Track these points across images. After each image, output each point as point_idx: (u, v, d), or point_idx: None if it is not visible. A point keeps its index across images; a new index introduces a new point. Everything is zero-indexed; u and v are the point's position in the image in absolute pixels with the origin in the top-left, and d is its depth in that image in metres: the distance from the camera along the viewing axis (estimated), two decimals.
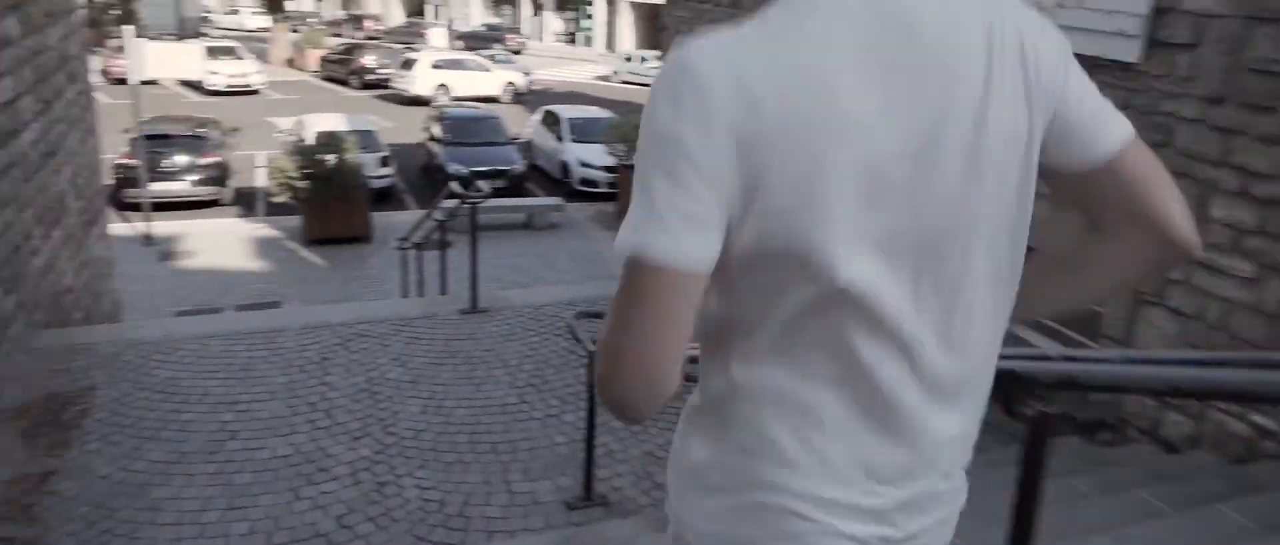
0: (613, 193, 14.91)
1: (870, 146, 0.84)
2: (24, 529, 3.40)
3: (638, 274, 0.86)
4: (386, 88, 27.53)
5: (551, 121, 17.47)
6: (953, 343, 0.94)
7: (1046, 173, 0.97)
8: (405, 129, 19.71)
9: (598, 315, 3.44)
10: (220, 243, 12.72)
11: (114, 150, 14.50)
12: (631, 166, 11.94)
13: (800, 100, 0.83)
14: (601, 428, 3.93)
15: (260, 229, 13.53)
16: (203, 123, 15.63)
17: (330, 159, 12.46)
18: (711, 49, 0.85)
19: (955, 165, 0.88)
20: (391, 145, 16.49)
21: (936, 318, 0.93)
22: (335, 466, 3.93)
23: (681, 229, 0.84)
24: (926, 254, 0.90)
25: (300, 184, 12.45)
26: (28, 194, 5.13)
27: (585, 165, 15.65)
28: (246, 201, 14.95)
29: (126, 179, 13.38)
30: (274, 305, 10.26)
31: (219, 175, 14.50)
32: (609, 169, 15.02)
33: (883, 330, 0.91)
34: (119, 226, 13.16)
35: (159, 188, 13.38)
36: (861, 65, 0.85)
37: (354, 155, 12.89)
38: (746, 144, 0.83)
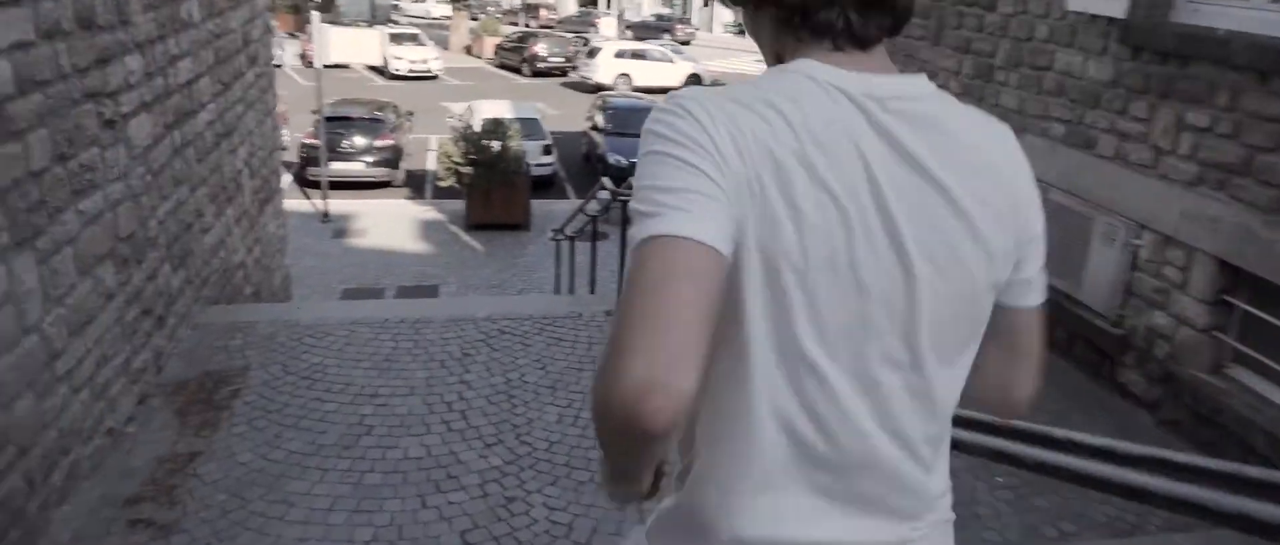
0: None
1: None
2: (164, 512, 3.40)
3: (650, 254, 0.81)
4: (562, 75, 28.05)
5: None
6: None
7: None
8: (570, 117, 19.94)
9: None
10: (389, 223, 13.22)
11: (302, 130, 15.42)
12: None
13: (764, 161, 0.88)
14: None
15: (427, 211, 13.98)
16: (381, 106, 16.33)
17: (494, 145, 12.66)
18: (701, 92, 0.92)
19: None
20: (555, 133, 16.67)
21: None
22: (465, 475, 3.76)
23: (699, 207, 0.83)
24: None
25: (464, 169, 12.72)
26: (201, 173, 5.29)
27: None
28: (416, 184, 15.51)
29: (309, 158, 14.13)
30: (433, 288, 10.51)
31: (393, 157, 15.10)
32: None
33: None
34: (300, 203, 13.95)
35: (337, 167, 14.07)
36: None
37: (517, 142, 13.05)
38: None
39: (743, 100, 0.90)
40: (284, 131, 16.71)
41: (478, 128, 13.38)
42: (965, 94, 6.33)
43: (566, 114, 20.68)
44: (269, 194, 7.44)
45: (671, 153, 0.85)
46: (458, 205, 13.62)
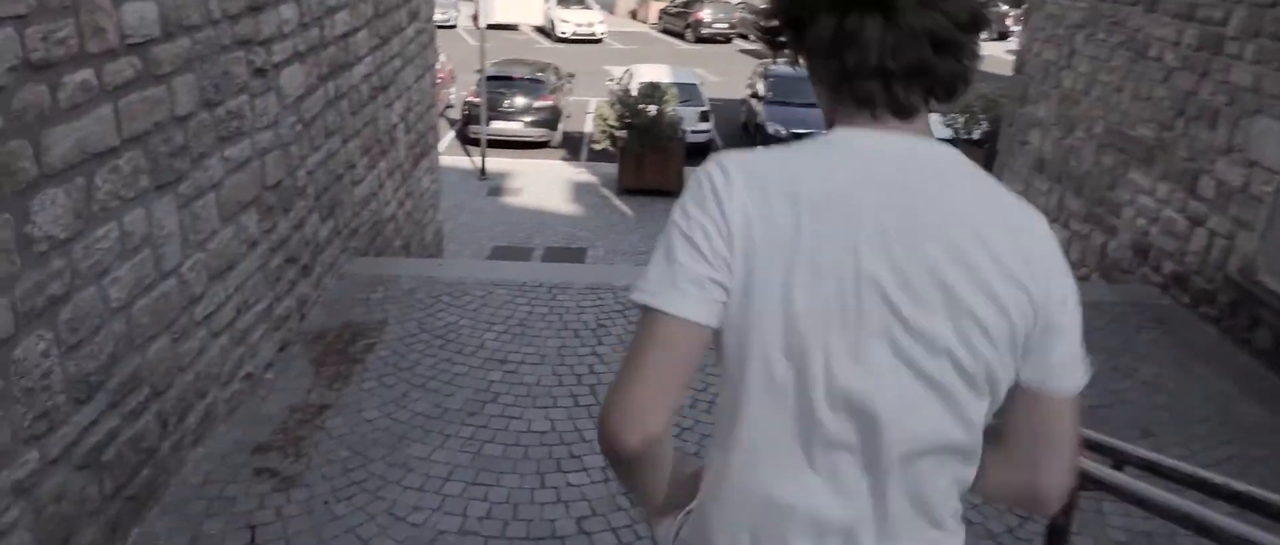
0: None
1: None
2: (289, 463, 3.39)
3: (642, 323, 1.00)
4: (726, 41, 27.48)
5: None
6: None
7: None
8: (732, 84, 19.46)
9: None
10: (543, 183, 13.31)
11: (468, 89, 15.77)
12: (970, 140, 10.42)
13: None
14: None
15: (580, 173, 14.00)
16: (542, 67, 16.45)
17: (650, 109, 12.44)
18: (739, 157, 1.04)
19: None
20: (715, 100, 16.29)
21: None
22: (588, 455, 3.56)
23: (691, 289, 0.98)
24: None
25: (619, 132, 12.59)
26: (354, 126, 5.32)
27: None
28: (573, 146, 15.57)
29: (471, 116, 14.41)
30: (580, 252, 10.47)
31: (551, 118, 15.19)
32: (944, 141, 13.56)
33: None
34: (460, 160, 14.29)
35: (497, 126, 14.29)
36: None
37: (673, 108, 12.78)
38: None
39: (763, 173, 1.00)
40: (450, 90, 17.22)
41: (635, 92, 13.20)
42: (1185, 67, 5.50)
43: (728, 81, 20.20)
44: (424, 149, 7.52)
45: (682, 226, 0.99)
46: (611, 169, 13.54)
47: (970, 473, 1.06)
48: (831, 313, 0.96)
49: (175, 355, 3.23)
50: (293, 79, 4.29)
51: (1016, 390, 1.03)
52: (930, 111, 1.05)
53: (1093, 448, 1.94)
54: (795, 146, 1.02)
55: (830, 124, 1.05)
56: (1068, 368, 1.02)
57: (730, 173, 0.99)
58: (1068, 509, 1.87)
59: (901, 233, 0.96)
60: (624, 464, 1.02)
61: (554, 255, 10.11)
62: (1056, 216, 7.08)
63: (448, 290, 5.07)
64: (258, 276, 3.96)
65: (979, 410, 1.02)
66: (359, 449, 3.51)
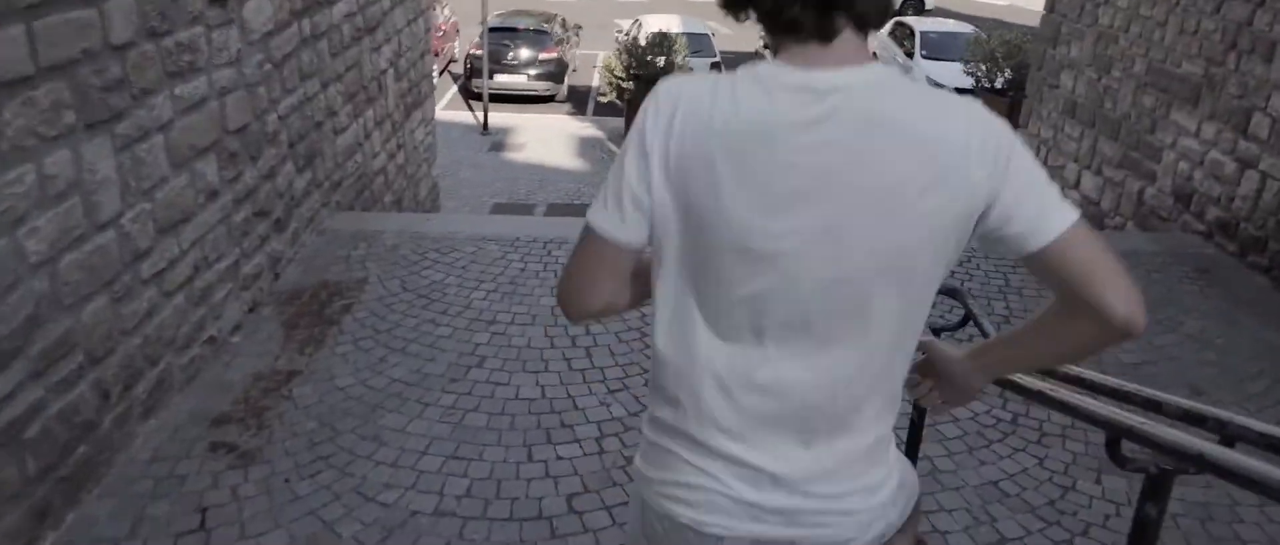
0: None
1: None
2: (250, 437, 3.06)
3: (582, 235, 1.15)
4: None
5: (902, 34, 15.58)
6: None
7: (1004, 251, 1.08)
8: (744, 36, 18.84)
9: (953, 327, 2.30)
10: (547, 138, 12.88)
11: (470, 41, 15.28)
12: (992, 89, 9.97)
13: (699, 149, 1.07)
14: (930, 436, 2.82)
15: (586, 128, 13.54)
16: (548, 18, 15.89)
17: (658, 61, 11.96)
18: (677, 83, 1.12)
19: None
20: (727, 53, 15.75)
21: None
22: (581, 425, 3.22)
23: (623, 212, 1.10)
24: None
25: (626, 85, 12.13)
26: (335, 69, 4.93)
27: (933, 83, 13.74)
28: (579, 100, 15.09)
29: (474, 69, 13.93)
30: (584, 209, 10.09)
31: (556, 71, 14.69)
32: (964, 92, 13.04)
33: None
34: (462, 114, 13.86)
35: (500, 79, 13.82)
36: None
37: (683, 59, 12.29)
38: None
39: (698, 99, 1.07)
40: (454, 44, 16.70)
41: (644, 43, 12.69)
42: None
43: (741, 32, 19.55)
44: (418, 99, 7.11)
45: (628, 149, 1.10)
46: (618, 123, 13.10)
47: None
48: (753, 231, 1.05)
49: (117, 317, 2.88)
50: (259, 12, 3.89)
51: (1030, 260, 1.06)
52: (865, 36, 1.09)
53: (1191, 419, 1.57)
54: (730, 76, 1.07)
55: (774, 54, 1.11)
56: (1047, 212, 1.04)
57: (661, 102, 1.08)
58: (1160, 495, 1.50)
59: (813, 164, 1.03)
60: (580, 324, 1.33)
61: (557, 212, 9.73)
62: (1088, 162, 6.63)
63: (435, 246, 4.72)
64: (220, 230, 3.60)
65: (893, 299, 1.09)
66: (328, 420, 3.18)
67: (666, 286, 1.14)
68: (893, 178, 1.02)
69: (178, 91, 3.21)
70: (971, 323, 2.26)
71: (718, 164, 1.04)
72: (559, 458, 3.03)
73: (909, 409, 2.42)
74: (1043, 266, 1.05)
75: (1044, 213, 1.04)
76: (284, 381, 3.42)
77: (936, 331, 2.34)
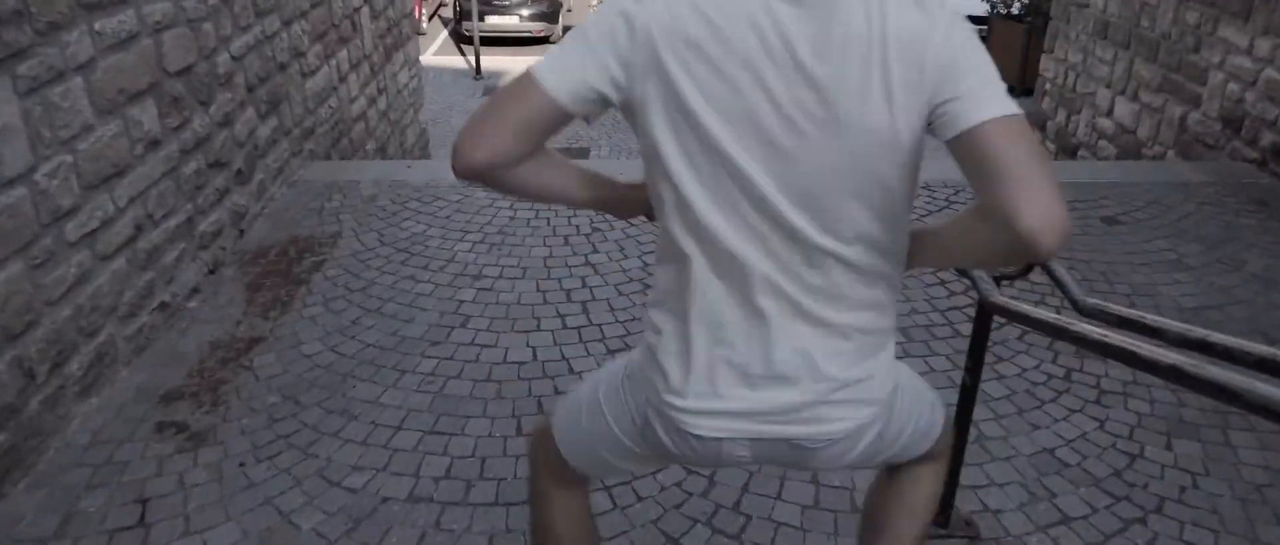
0: None
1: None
2: (202, 415, 2.71)
3: (518, 76, 1.08)
4: None
5: None
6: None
7: (937, 138, 1.04)
8: None
9: (1011, 277, 1.91)
10: None
11: None
12: (1009, 15, 9.36)
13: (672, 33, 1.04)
14: (981, 403, 2.44)
15: None
16: None
17: None
18: None
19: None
20: None
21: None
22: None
23: (566, 69, 1.06)
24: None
25: None
26: (297, 4, 4.48)
27: None
28: None
29: (464, 11, 13.38)
30: (583, 152, 9.66)
31: (550, 11, 14.12)
32: (976, 19, 12.41)
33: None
34: (454, 59, 13.33)
35: (491, 21, 13.27)
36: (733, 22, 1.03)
37: None
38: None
39: None
40: None
41: None
42: None
43: None
44: (399, 40, 6.65)
45: (587, 28, 1.08)
46: None
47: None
48: (737, 120, 1.05)
49: (37, 286, 2.51)
50: None
51: (953, 143, 1.01)
52: None
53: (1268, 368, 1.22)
54: None
55: None
56: (983, 97, 1.00)
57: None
58: None
59: (788, 53, 1.02)
60: (481, 181, 1.12)
61: None
62: (1122, 88, 6.16)
63: (416, 195, 4.32)
64: (166, 184, 3.21)
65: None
66: (291, 393, 2.82)
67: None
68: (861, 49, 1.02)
69: (98, 26, 2.79)
70: (1042, 272, 1.87)
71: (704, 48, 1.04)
72: None
73: (961, 376, 2.04)
74: (963, 152, 0.99)
75: (978, 95, 1.00)
76: (245, 350, 3.06)
77: (999, 278, 1.96)
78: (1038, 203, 0.92)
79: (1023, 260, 1.20)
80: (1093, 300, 1.81)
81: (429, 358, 3.02)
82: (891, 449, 1.32)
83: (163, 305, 3.17)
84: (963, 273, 2.13)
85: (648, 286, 3.51)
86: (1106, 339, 1.40)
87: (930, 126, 1.04)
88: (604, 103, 1.08)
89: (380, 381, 2.89)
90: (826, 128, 1.03)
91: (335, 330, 3.18)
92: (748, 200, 1.07)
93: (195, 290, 3.39)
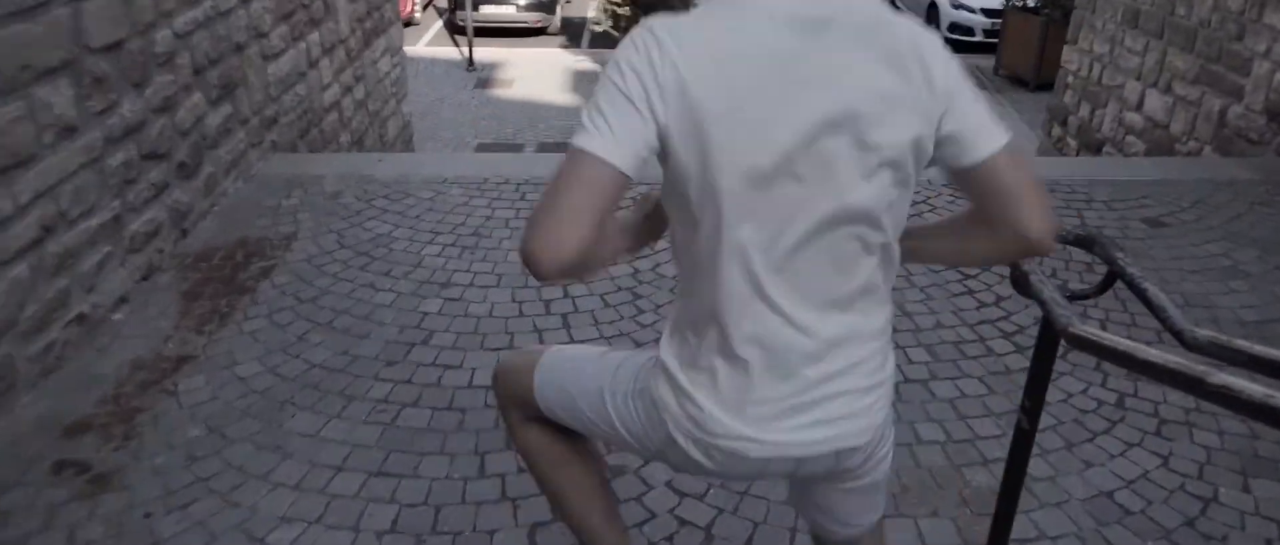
0: (991, 42, 11.94)
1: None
2: (108, 452, 2.30)
3: (566, 160, 1.03)
4: None
5: None
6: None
7: (938, 164, 1.12)
8: None
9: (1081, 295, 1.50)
10: (539, 73, 11.93)
11: None
12: (1027, 9, 8.95)
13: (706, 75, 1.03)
14: (1039, 441, 2.02)
15: (581, 62, 12.58)
16: None
17: None
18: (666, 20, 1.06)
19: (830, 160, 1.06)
20: None
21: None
22: None
23: (613, 132, 1.01)
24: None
25: (623, 12, 11.18)
26: None
27: (959, 6, 12.63)
28: (574, 32, 14.08)
29: (458, 1, 12.96)
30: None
31: (548, 1, 13.67)
32: (991, 13, 11.99)
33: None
34: (447, 50, 12.90)
35: (486, 11, 12.85)
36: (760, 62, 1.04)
37: None
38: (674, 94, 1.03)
39: (689, 33, 1.04)
40: None
41: None
42: None
43: None
44: (380, 25, 6.23)
45: (614, 80, 1.04)
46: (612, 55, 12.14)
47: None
48: (774, 156, 1.04)
49: None
50: None
51: (961, 175, 1.11)
52: None
53: None
54: (710, 7, 1.08)
55: None
56: (982, 130, 1.09)
57: (660, 36, 1.04)
58: None
59: (801, 79, 1.04)
60: (571, 277, 1.10)
61: (548, 151, 8.89)
62: (1154, 80, 5.73)
63: (385, 192, 3.90)
64: (85, 178, 2.80)
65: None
66: (218, 424, 2.41)
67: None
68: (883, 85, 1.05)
69: None
70: (1123, 283, 1.46)
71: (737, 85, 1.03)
72: (521, 470, 2.25)
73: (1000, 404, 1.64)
74: (971, 182, 1.11)
75: (981, 130, 1.08)
76: (171, 371, 2.64)
77: (1073, 298, 1.55)
78: (1043, 217, 1.11)
79: (1015, 260, 1.35)
80: (1204, 332, 1.40)
81: (383, 381, 2.61)
82: (884, 463, 1.33)
83: (80, 318, 2.76)
84: (1022, 289, 1.70)
85: (638, 296, 3.09)
86: (1271, 400, 0.98)
87: (934, 157, 1.10)
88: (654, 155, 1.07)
89: (323, 410, 2.48)
90: (848, 151, 1.07)
91: (277, 348, 2.76)
92: (781, 214, 1.07)
93: (123, 300, 2.98)
